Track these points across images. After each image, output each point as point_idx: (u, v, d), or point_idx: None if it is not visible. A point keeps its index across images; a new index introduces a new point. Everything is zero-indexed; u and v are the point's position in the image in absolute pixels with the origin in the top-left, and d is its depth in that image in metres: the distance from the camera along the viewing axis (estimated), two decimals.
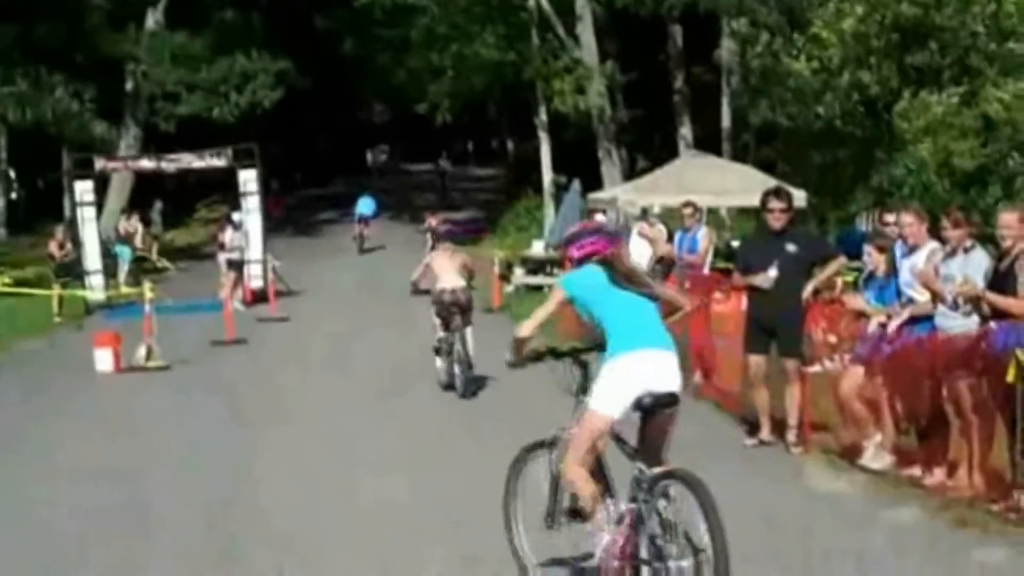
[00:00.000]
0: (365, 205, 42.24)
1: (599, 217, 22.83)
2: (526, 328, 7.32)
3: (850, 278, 15.54)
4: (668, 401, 6.92)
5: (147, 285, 21.27)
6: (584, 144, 40.53)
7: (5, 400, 16.82)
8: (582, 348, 7.47)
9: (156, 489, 11.08)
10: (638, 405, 6.87)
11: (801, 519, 9.21)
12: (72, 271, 27.46)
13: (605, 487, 7.11)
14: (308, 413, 14.93)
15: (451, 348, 15.80)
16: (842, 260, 12.48)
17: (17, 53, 37.71)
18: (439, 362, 16.10)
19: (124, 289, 28.42)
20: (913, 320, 10.38)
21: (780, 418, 11.99)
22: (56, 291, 26.20)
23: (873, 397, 10.67)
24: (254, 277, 28.49)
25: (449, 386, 15.83)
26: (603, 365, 7.09)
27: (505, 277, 27.95)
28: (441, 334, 16.06)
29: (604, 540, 6.90)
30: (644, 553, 6.64)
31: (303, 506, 10.27)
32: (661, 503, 6.57)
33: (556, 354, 7.45)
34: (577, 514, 7.24)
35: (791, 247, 11.80)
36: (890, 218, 12.42)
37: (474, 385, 15.65)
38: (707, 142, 37.30)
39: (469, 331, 15.99)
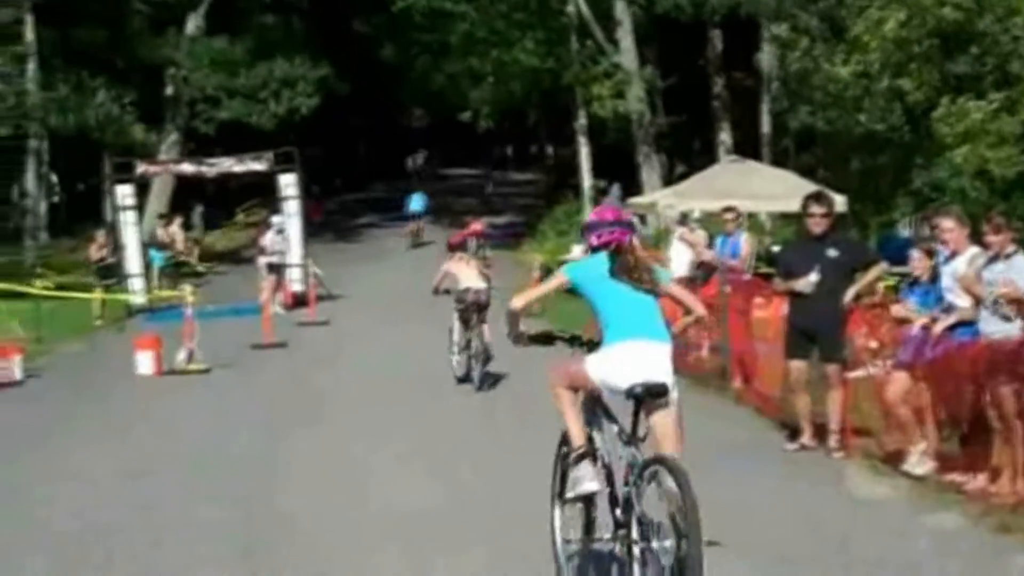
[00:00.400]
0: (416, 202, 43.44)
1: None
2: (518, 301, 7.67)
3: (891, 283, 15.48)
4: (659, 391, 7.04)
5: (188, 288, 21.39)
6: (623, 149, 40.52)
7: (46, 400, 17.03)
8: (587, 340, 7.61)
9: (188, 487, 11.14)
10: (630, 394, 7.01)
11: (842, 523, 9.14)
12: (114, 274, 27.62)
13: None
14: (340, 413, 15.07)
15: (468, 344, 16.80)
16: (883, 266, 12.41)
17: (59, 58, 38.04)
18: (456, 358, 17.12)
19: (156, 292, 28.55)
20: (955, 325, 10.32)
21: (821, 423, 11.94)
22: (98, 294, 26.39)
23: (918, 403, 10.61)
24: (295, 281, 28.61)
25: (464, 379, 16.78)
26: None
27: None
28: (457, 328, 17.06)
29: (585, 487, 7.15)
30: (635, 534, 6.76)
31: (329, 505, 10.31)
32: (650, 487, 6.71)
33: (575, 341, 7.66)
34: (579, 500, 7.34)
35: (832, 252, 11.75)
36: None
37: (491, 378, 16.60)
38: (746, 147, 37.13)
39: (485, 328, 16.66)
